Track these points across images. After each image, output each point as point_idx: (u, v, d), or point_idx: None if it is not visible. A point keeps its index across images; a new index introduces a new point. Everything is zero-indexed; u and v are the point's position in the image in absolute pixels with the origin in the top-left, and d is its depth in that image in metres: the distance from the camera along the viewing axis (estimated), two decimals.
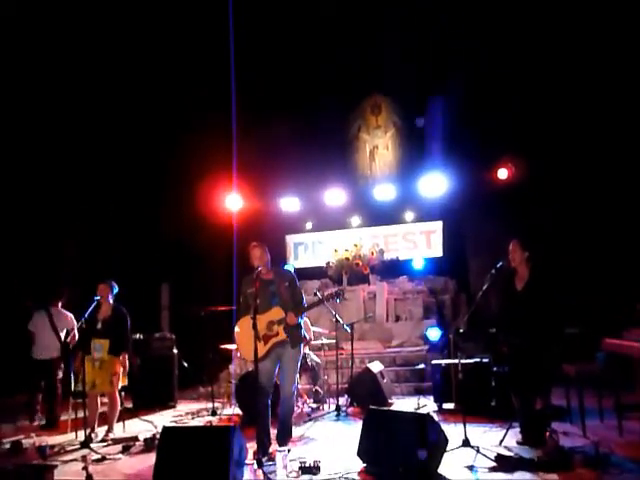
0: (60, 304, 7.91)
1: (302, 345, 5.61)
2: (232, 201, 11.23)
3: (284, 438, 5.43)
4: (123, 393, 6.84)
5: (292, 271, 5.85)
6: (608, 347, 5.98)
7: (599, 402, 6.04)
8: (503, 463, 4.71)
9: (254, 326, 5.04)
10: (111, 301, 6.70)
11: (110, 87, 11.00)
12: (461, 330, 6.79)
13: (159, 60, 11.13)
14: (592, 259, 9.10)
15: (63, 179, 10.87)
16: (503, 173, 10.29)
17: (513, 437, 5.47)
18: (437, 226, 11.98)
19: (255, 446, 5.20)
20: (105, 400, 6.75)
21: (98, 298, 6.53)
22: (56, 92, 10.51)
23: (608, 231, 9.21)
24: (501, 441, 5.40)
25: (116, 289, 6.76)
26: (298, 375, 6.01)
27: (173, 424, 7.18)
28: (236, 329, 5.49)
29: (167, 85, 11.33)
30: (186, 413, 8.06)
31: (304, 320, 6.19)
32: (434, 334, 9.02)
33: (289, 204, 11.87)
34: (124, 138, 11.44)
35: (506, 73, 10.19)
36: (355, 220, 12.45)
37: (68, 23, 10.21)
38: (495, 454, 4.87)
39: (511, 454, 4.93)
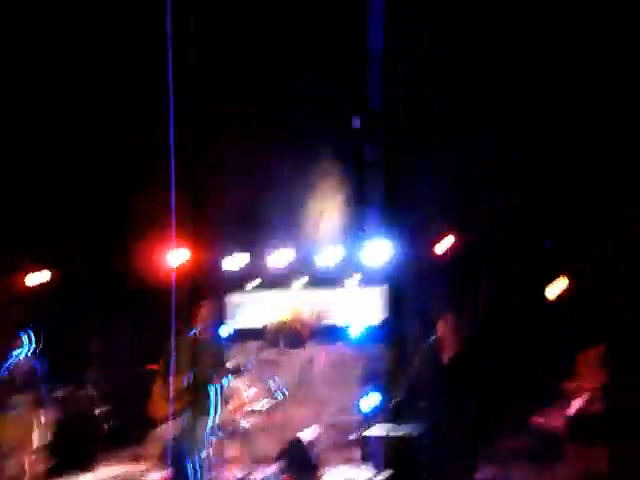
0: None
1: (214, 413, 5.54)
2: (173, 258, 11.06)
3: None
4: (36, 455, 6.46)
5: (230, 333, 5.84)
6: (535, 424, 6.09)
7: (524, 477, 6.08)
8: None
9: (168, 386, 4.99)
10: (30, 354, 6.44)
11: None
12: (394, 401, 6.79)
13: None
14: (524, 335, 9.32)
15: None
16: (445, 245, 10.55)
17: None
18: (378, 293, 12.06)
19: None
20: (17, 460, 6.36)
21: (17, 351, 6.28)
22: None
23: (541, 309, 9.48)
24: None
25: (33, 343, 6.52)
26: (209, 442, 5.91)
27: None
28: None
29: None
30: (106, 478, 7.62)
31: (232, 385, 6.11)
32: (367, 404, 8.91)
33: (231, 262, 11.77)
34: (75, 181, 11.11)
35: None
36: (296, 282, 12.42)
37: None
38: None
39: None
